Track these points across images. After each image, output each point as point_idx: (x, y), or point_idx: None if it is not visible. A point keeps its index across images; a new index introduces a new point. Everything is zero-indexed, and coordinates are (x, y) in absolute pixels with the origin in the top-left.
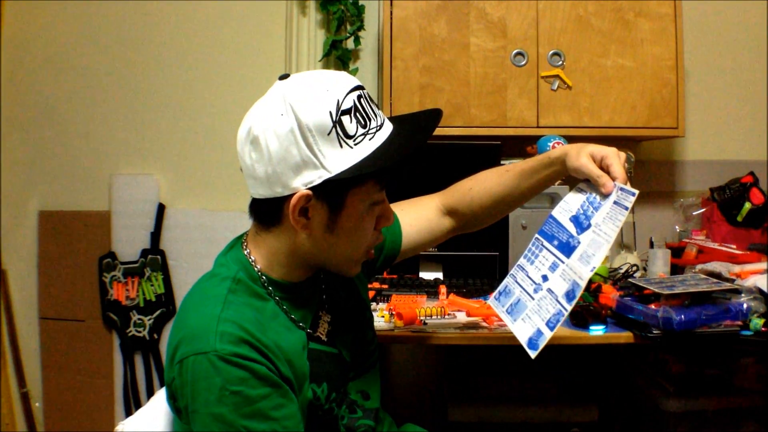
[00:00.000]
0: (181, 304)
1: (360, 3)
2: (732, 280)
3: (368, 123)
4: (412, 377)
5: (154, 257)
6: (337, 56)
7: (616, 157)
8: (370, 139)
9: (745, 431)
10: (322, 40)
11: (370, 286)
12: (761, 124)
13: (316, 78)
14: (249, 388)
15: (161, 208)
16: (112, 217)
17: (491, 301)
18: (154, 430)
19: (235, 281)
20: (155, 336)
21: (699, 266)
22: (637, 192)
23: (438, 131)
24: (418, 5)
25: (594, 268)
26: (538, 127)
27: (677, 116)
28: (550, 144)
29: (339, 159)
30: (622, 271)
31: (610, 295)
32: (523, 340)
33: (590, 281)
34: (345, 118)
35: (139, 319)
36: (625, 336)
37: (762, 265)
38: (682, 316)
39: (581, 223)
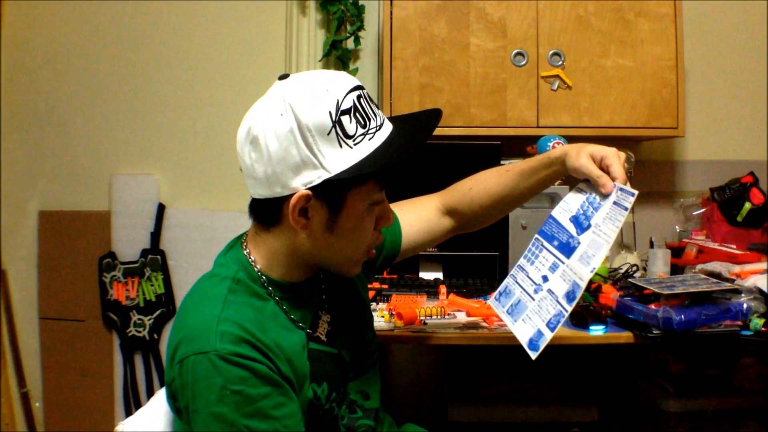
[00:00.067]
0: (180, 304)
1: (360, 3)
2: (732, 280)
3: (368, 123)
4: (412, 377)
5: (154, 257)
6: (337, 56)
7: (615, 158)
8: (369, 139)
9: (745, 431)
10: (322, 40)
11: (370, 286)
12: (761, 124)
13: (315, 78)
14: (250, 388)
15: (161, 208)
16: (112, 217)
17: (492, 301)
18: (154, 430)
19: (234, 281)
20: (155, 336)
21: (699, 266)
22: (636, 192)
23: (438, 131)
24: (418, 5)
25: (594, 268)
26: (538, 127)
27: (677, 116)
28: (550, 144)
29: (339, 159)
30: (622, 271)
31: (610, 295)
32: (524, 341)
33: (590, 281)
34: (344, 118)
35: (139, 319)
36: (625, 336)
37: (762, 265)
38: (682, 316)
39: (581, 223)
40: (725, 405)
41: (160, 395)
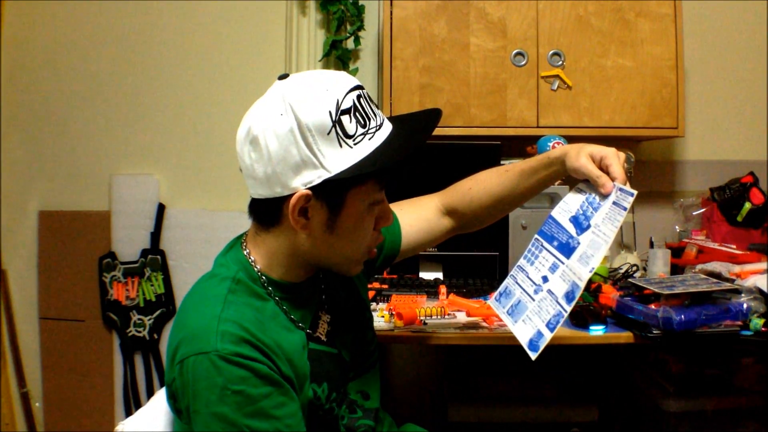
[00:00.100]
0: (180, 305)
1: (360, 3)
2: (732, 280)
3: (368, 123)
4: (412, 377)
5: (154, 257)
6: (337, 56)
7: (615, 158)
8: (369, 139)
9: (745, 431)
10: (322, 40)
11: (370, 286)
12: (761, 124)
13: (315, 78)
14: (251, 387)
15: (161, 208)
16: (112, 217)
17: (492, 302)
18: (154, 430)
19: (234, 281)
20: (155, 336)
21: (699, 266)
22: (635, 192)
23: (438, 131)
24: (418, 5)
25: (593, 269)
26: (538, 127)
27: (677, 116)
28: (550, 144)
29: (339, 159)
30: (622, 271)
31: (610, 295)
32: (524, 342)
33: (590, 281)
34: (344, 118)
35: (139, 319)
36: (625, 336)
37: (762, 265)
38: (682, 316)
39: (581, 223)
40: (725, 405)
41: (160, 395)
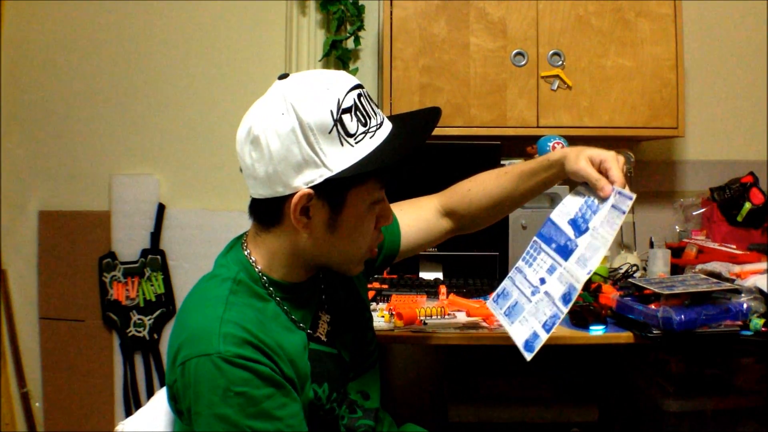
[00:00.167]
0: (181, 306)
1: (360, 3)
2: (732, 280)
3: (368, 121)
4: (412, 377)
5: (154, 257)
6: (337, 56)
7: (614, 161)
8: (370, 138)
9: (745, 431)
10: (322, 40)
11: (370, 286)
12: (761, 124)
13: (316, 77)
14: (253, 389)
15: (161, 208)
16: (112, 217)
17: (489, 303)
18: (153, 431)
19: (236, 282)
20: (155, 336)
21: (699, 266)
22: (634, 196)
23: (438, 131)
24: (418, 5)
25: (590, 271)
26: (538, 127)
27: (677, 116)
28: (550, 144)
29: (340, 157)
30: (622, 271)
31: (610, 295)
32: (519, 343)
33: (590, 281)
34: (346, 117)
35: (139, 319)
36: (625, 336)
37: (762, 265)
38: (682, 316)
39: (579, 226)
40: (725, 405)
41: (160, 395)
